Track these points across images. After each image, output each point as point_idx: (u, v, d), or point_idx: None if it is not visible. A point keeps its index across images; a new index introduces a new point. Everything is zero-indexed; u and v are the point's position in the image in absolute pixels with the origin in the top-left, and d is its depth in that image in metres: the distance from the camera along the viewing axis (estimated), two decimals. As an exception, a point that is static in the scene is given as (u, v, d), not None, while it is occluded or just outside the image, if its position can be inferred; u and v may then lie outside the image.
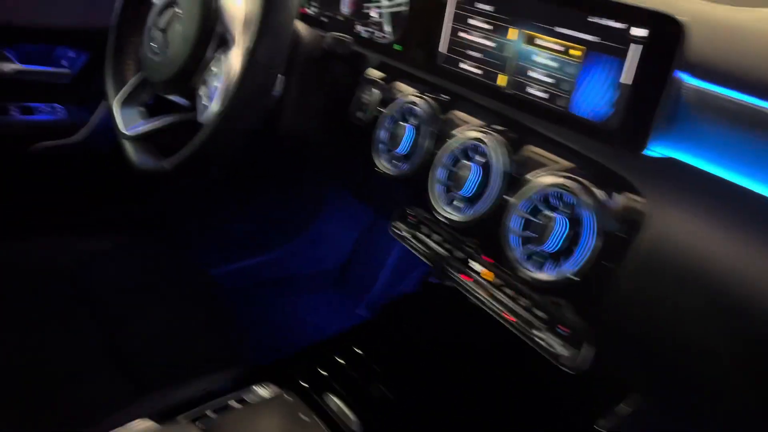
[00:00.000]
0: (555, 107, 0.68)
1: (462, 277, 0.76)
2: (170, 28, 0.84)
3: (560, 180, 0.60)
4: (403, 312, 0.97)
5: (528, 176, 0.65)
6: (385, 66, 0.89)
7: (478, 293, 0.74)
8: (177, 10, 0.84)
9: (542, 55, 0.69)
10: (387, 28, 0.90)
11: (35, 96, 1.16)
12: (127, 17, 0.97)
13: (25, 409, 0.82)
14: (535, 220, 0.62)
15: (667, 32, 0.58)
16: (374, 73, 0.89)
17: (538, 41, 0.69)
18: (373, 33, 0.92)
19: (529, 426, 0.77)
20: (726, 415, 0.60)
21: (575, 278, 0.58)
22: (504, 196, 0.66)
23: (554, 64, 0.68)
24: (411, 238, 0.84)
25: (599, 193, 0.59)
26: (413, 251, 0.84)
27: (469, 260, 0.76)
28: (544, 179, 0.62)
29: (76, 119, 1.19)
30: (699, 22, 0.60)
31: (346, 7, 0.97)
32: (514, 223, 0.63)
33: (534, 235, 0.62)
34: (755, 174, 0.56)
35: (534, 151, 0.67)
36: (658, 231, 0.55)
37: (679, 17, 0.58)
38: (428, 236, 0.82)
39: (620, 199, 0.59)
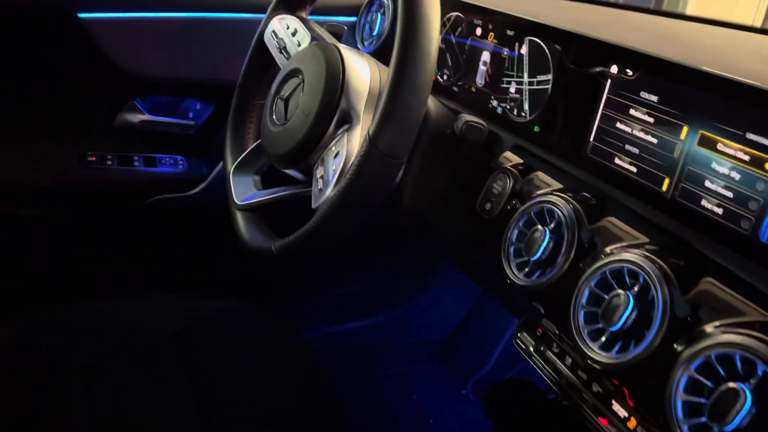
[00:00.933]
0: (734, 228, 0.54)
1: (600, 420, 0.63)
2: (292, 98, 0.79)
3: (740, 340, 0.46)
4: (513, 418, 0.84)
5: (707, 328, 0.51)
6: (521, 150, 0.78)
7: (618, 442, 0.61)
8: (302, 79, 0.79)
9: (723, 164, 0.56)
10: (526, 105, 0.80)
11: (160, 147, 1.16)
12: (252, 78, 0.94)
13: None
14: (709, 385, 0.48)
15: None
16: (509, 158, 0.78)
17: (720, 146, 0.56)
18: (510, 110, 0.82)
19: None
20: None
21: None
22: (675, 345, 0.52)
23: (739, 177, 0.55)
24: (537, 357, 0.72)
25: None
26: (539, 372, 0.72)
27: (611, 401, 0.63)
28: (726, 337, 0.48)
29: (197, 173, 1.18)
30: None
31: (481, 79, 0.88)
32: (683, 380, 0.50)
33: (705, 401, 0.48)
34: None
35: (711, 288, 0.54)
36: None
37: None
38: (560, 357, 0.69)
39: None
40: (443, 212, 0.82)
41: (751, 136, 0.54)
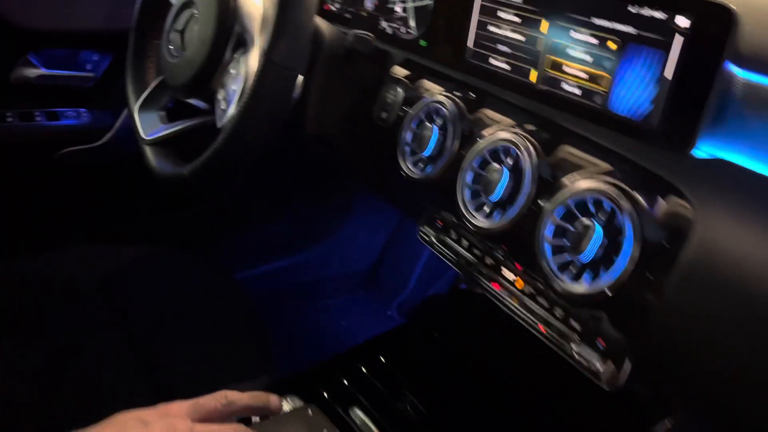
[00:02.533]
0: (591, 104, 0.63)
1: (492, 285, 0.72)
2: (188, 29, 0.82)
3: (599, 185, 0.56)
4: (433, 320, 0.93)
5: (563, 180, 0.60)
6: (410, 63, 0.85)
7: (509, 303, 0.70)
8: (194, 10, 0.81)
9: (577, 49, 0.64)
10: (412, 23, 0.86)
11: (60, 101, 1.15)
12: (146, 19, 0.95)
13: (51, 421, 0.81)
14: (570, 227, 0.57)
15: (715, 21, 0.53)
16: (399, 71, 0.85)
17: (573, 34, 0.65)
18: (397, 29, 0.88)
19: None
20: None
21: (613, 291, 0.54)
22: (537, 201, 0.61)
23: (590, 59, 0.63)
24: (439, 244, 0.80)
25: (640, 199, 0.54)
26: (441, 257, 0.80)
27: (501, 267, 0.72)
28: (580, 183, 0.57)
29: (101, 123, 1.18)
30: (751, 9, 0.55)
31: (369, 3, 0.94)
32: (547, 231, 0.59)
33: (569, 243, 0.57)
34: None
35: (569, 152, 0.63)
36: (708, 240, 0.50)
37: (729, 4, 0.52)
38: (457, 242, 0.78)
39: (664, 205, 0.54)
40: (345, 129, 0.88)
41: (595, 20, 0.63)
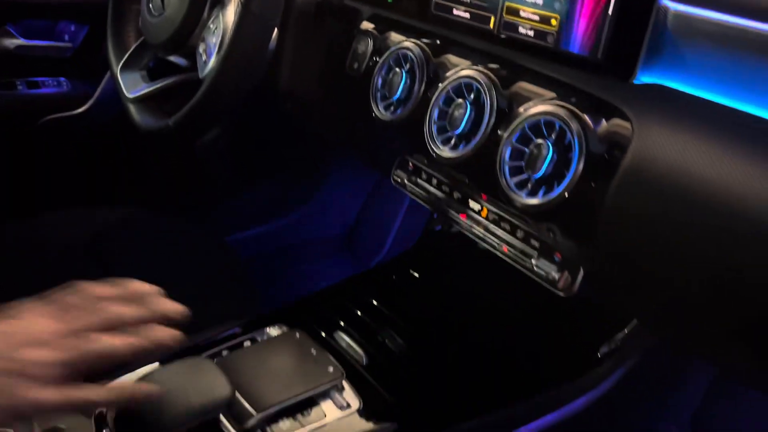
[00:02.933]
0: (544, 44, 0.69)
1: (461, 216, 0.79)
2: (166, -11, 0.86)
3: (550, 107, 0.62)
4: (409, 261, 0.99)
5: (519, 109, 0.67)
6: (378, 17, 0.90)
7: (476, 230, 0.77)
8: (172, -29, 0.86)
9: (529, -7, 0.70)
10: (379, -20, 0.91)
11: (40, 70, 1.18)
12: (125, -17, 0.99)
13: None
14: (525, 149, 0.64)
15: (648, -40, 0.59)
16: (368, 26, 0.90)
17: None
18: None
19: (535, 354, 0.80)
20: (715, 335, 0.62)
21: (564, 199, 0.60)
22: (497, 131, 0.68)
23: (541, 2, 0.69)
24: (411, 185, 0.86)
25: (586, 118, 0.61)
26: (413, 197, 0.86)
27: (468, 200, 0.78)
28: (534, 108, 0.64)
29: (81, 92, 1.22)
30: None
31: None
32: (506, 154, 0.65)
33: (525, 163, 0.64)
34: (740, 93, 0.58)
35: (524, 86, 0.69)
36: (643, 151, 0.57)
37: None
38: (427, 181, 0.84)
39: (606, 124, 0.61)
40: (319, 83, 0.94)
41: (545, -33, 0.69)
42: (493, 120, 0.68)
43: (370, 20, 0.91)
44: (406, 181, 0.87)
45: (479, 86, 0.69)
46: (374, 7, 0.92)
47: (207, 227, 1.24)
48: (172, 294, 1.00)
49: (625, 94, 0.62)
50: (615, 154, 0.58)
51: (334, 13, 0.90)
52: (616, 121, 0.60)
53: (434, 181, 0.83)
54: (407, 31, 0.85)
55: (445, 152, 0.72)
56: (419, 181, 0.85)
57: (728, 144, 0.55)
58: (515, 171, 0.65)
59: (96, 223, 1.10)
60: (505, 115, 0.68)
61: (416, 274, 0.94)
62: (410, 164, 0.88)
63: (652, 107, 0.60)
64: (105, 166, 1.31)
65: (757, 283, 0.52)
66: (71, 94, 1.20)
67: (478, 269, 0.90)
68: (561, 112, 0.61)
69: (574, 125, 0.60)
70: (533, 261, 0.70)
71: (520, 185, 0.65)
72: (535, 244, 0.70)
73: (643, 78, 0.62)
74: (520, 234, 0.72)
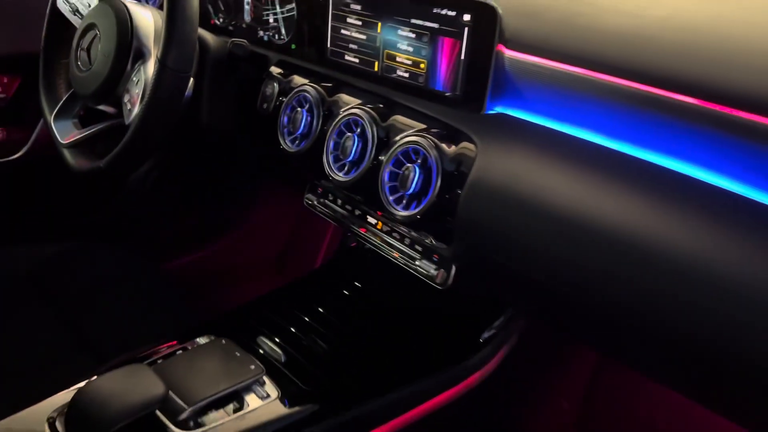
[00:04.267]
0: (415, 83, 0.84)
1: (361, 230, 0.93)
2: (92, 47, 0.98)
3: (414, 138, 0.77)
4: (325, 273, 1.13)
5: (395, 139, 0.82)
6: (283, 63, 1.04)
7: (374, 240, 0.91)
8: (97, 30, 0.97)
9: (403, 43, 0.85)
10: (283, 31, 1.05)
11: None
12: (53, 41, 1.10)
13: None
14: (399, 172, 0.79)
15: (486, 16, 0.75)
16: (275, 70, 1.04)
17: (399, 31, 0.86)
18: (272, 36, 1.07)
19: (426, 341, 0.94)
20: (568, 316, 0.77)
21: (429, 210, 0.75)
22: (378, 157, 0.82)
23: (412, 49, 0.84)
24: (320, 206, 1.00)
25: (443, 145, 0.76)
26: (323, 216, 1.00)
27: (367, 216, 0.92)
28: (403, 139, 0.79)
29: (17, 138, 1.30)
30: (512, 4, 0.77)
31: (247, 16, 1.12)
32: (386, 176, 0.80)
33: (399, 183, 0.78)
34: (563, 118, 0.74)
35: (399, 120, 0.84)
36: (483, 166, 0.73)
37: (494, 3, 0.74)
38: (333, 202, 0.98)
39: (457, 148, 0.76)
40: (234, 120, 1.07)
41: (413, 20, 0.84)
42: (374, 149, 0.82)
43: (277, 65, 1.05)
44: (315, 202, 1.01)
45: (363, 122, 0.84)
46: (280, 54, 1.06)
47: (145, 255, 1.34)
48: (110, 317, 1.10)
49: (476, 122, 0.77)
50: (463, 170, 0.74)
51: (245, 59, 1.04)
52: (466, 144, 0.76)
53: (339, 202, 0.97)
54: (308, 75, 1.00)
55: (340, 177, 0.86)
56: (327, 202, 0.99)
57: (553, 157, 0.70)
58: (393, 189, 0.79)
59: (37, 256, 1.19)
60: (384, 144, 0.82)
61: (327, 285, 1.08)
62: (318, 188, 1.02)
63: (494, 132, 0.75)
64: (43, 205, 1.39)
65: (579, 265, 0.67)
66: (8, 142, 1.29)
67: (381, 276, 1.04)
68: (423, 141, 0.76)
69: (433, 152, 0.75)
70: (417, 262, 0.84)
71: (398, 201, 0.79)
72: (418, 248, 0.85)
73: (493, 109, 0.78)
74: (407, 241, 0.86)
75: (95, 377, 0.76)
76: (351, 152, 0.84)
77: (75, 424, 0.71)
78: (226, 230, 1.67)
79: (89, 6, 1.05)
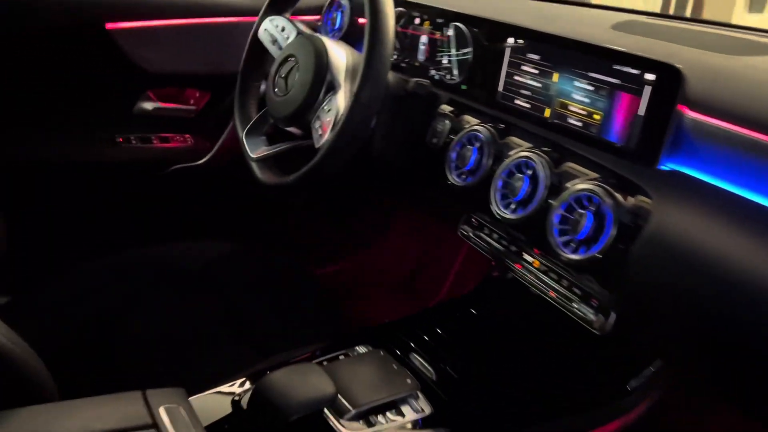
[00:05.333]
0: (588, 133, 0.89)
1: (516, 266, 0.98)
2: (290, 75, 1.10)
3: (590, 186, 0.82)
4: (471, 300, 1.18)
5: (566, 184, 0.86)
6: (454, 102, 1.12)
7: (529, 278, 0.96)
8: (295, 62, 1.10)
9: (578, 93, 0.90)
10: (455, 71, 1.13)
11: (171, 128, 1.45)
12: (250, 65, 1.24)
13: (166, 368, 1.07)
14: (571, 216, 0.83)
15: (670, 77, 0.78)
16: (446, 108, 1.12)
17: (576, 83, 0.91)
18: (444, 75, 1.16)
19: (570, 380, 0.97)
20: (727, 378, 0.78)
21: (599, 257, 0.79)
22: (548, 200, 0.87)
23: (587, 100, 0.89)
24: (475, 238, 1.06)
25: (618, 196, 0.80)
26: (476, 247, 1.06)
27: (522, 252, 0.97)
28: (578, 186, 0.83)
29: (202, 146, 1.48)
30: (696, 68, 0.80)
31: (422, 55, 1.21)
32: (555, 219, 0.84)
33: (570, 227, 0.83)
34: (742, 182, 0.75)
35: (571, 166, 0.89)
36: (660, 222, 0.75)
37: (678, 65, 0.78)
38: (489, 236, 1.04)
39: (633, 200, 0.79)
40: (404, 152, 1.15)
41: (591, 74, 0.89)
42: (546, 192, 0.87)
43: (448, 104, 1.13)
44: (471, 234, 1.07)
45: (536, 165, 0.89)
46: (450, 92, 1.14)
47: (297, 260, 1.45)
48: (270, 314, 1.21)
49: (650, 177, 0.80)
50: (639, 223, 0.77)
51: (418, 96, 1.13)
52: (641, 198, 0.79)
53: (494, 236, 1.03)
54: (477, 114, 1.07)
55: (506, 214, 0.92)
56: (482, 235, 1.05)
57: (732, 220, 0.72)
58: (562, 232, 0.84)
59: (210, 253, 1.34)
60: (555, 188, 0.87)
61: (475, 312, 1.13)
62: (474, 220, 1.08)
63: (670, 188, 0.78)
64: (217, 206, 1.56)
65: (755, 331, 0.68)
66: (194, 148, 1.46)
67: (528, 310, 1.08)
68: (599, 190, 0.80)
69: (609, 201, 0.79)
70: (575, 305, 0.88)
71: (566, 244, 0.84)
72: (577, 291, 0.88)
73: (666, 165, 0.81)
74: (564, 283, 0.90)
75: (275, 371, 0.86)
76: (521, 192, 0.90)
77: (258, 409, 0.81)
78: (365, 246, 1.78)
79: (286, 38, 1.18)
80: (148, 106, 1.42)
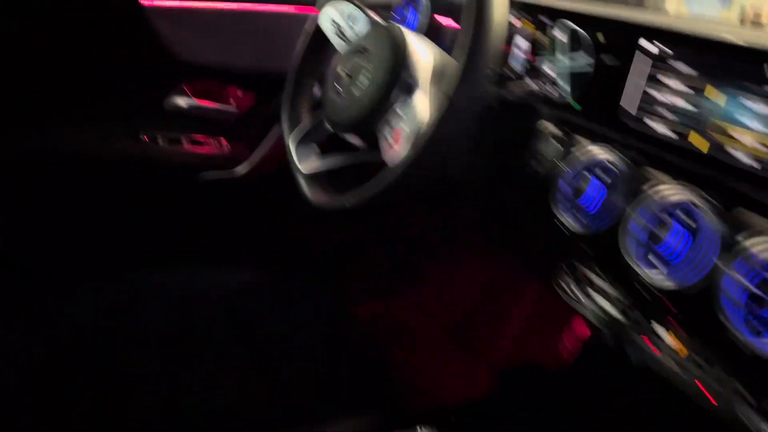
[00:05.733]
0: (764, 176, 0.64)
1: (642, 337, 0.72)
2: (359, 72, 0.87)
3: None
4: (568, 377, 0.93)
5: (745, 242, 0.61)
6: (562, 120, 0.88)
7: (660, 359, 0.70)
8: (365, 56, 0.87)
9: (747, 116, 0.65)
10: (563, 85, 0.89)
11: (205, 129, 1.23)
12: (307, 61, 1.02)
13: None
14: (760, 293, 0.57)
15: None
16: (548, 126, 0.88)
17: (745, 101, 0.66)
18: (545, 87, 0.92)
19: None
20: None
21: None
22: (719, 263, 0.62)
23: (763, 127, 0.64)
24: (583, 297, 0.81)
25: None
26: (578, 308, 0.81)
27: (653, 323, 0.72)
28: (759, 246, 0.58)
29: (239, 153, 1.26)
30: None
31: (519, 65, 0.97)
32: (739, 296, 0.59)
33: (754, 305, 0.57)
34: None
35: (746, 216, 0.63)
36: None
37: None
38: (606, 298, 0.79)
39: None
40: (489, 172, 0.91)
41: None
42: (719, 250, 0.62)
43: (551, 122, 0.88)
44: (578, 291, 0.82)
45: (700, 212, 0.64)
46: (554, 108, 0.90)
47: (331, 293, 1.22)
48: (304, 365, 0.98)
49: None
50: None
51: (513, 108, 0.89)
52: None
53: (611, 298, 0.78)
54: (595, 139, 0.82)
55: (653, 275, 0.66)
56: (596, 295, 0.80)
57: None
58: (750, 317, 0.58)
59: (232, 280, 1.11)
60: (729, 244, 0.62)
61: (571, 390, 0.88)
62: (578, 272, 0.83)
63: None
64: (250, 225, 1.33)
65: None
66: (229, 156, 1.24)
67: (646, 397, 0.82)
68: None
69: None
70: (744, 412, 0.62)
71: (756, 333, 0.58)
72: (749, 399, 0.62)
73: None
74: (732, 384, 0.64)
75: None
76: (679, 248, 0.65)
77: None
78: (410, 285, 1.53)
79: (355, 28, 0.96)
80: (182, 102, 1.21)
